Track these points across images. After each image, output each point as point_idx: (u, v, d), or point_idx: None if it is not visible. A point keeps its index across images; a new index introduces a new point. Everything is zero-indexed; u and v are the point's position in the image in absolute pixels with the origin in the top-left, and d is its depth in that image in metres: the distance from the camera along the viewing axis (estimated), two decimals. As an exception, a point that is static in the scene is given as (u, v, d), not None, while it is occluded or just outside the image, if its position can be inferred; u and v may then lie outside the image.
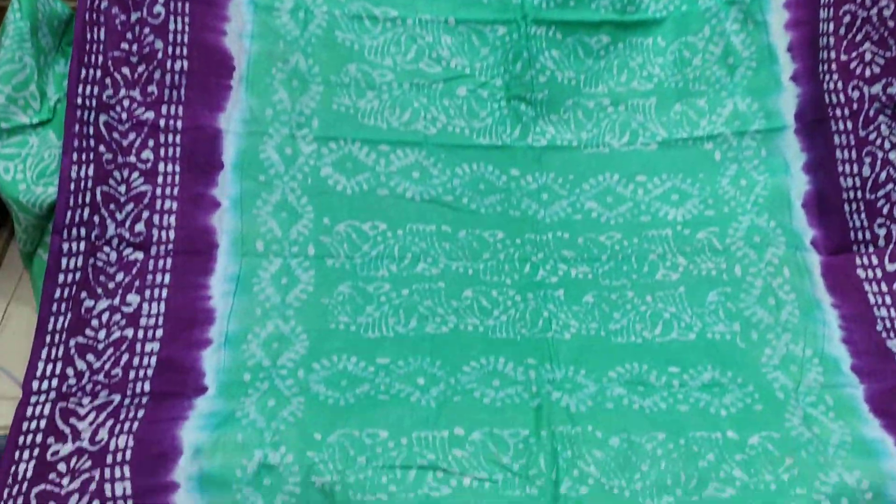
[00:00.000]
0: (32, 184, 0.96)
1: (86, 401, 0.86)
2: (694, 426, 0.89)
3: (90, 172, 0.95)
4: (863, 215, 1.02)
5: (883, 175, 1.02)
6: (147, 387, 0.88)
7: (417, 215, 1.05)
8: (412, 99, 1.07)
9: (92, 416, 0.85)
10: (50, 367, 0.88)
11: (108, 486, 0.79)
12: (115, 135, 0.97)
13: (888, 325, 0.97)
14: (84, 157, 0.95)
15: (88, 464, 0.80)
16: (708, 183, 1.08)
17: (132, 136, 0.98)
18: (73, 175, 0.93)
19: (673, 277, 1.03)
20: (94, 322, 0.91)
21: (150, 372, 0.89)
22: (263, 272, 0.97)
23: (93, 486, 0.78)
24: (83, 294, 0.91)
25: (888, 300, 0.98)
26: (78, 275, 0.92)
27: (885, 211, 1.02)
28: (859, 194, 1.03)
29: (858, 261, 1.02)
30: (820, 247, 1.04)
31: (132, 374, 0.88)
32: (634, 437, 0.88)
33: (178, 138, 1.00)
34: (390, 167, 1.06)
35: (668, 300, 1.01)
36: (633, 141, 1.10)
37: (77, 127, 0.94)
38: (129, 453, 0.80)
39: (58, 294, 0.91)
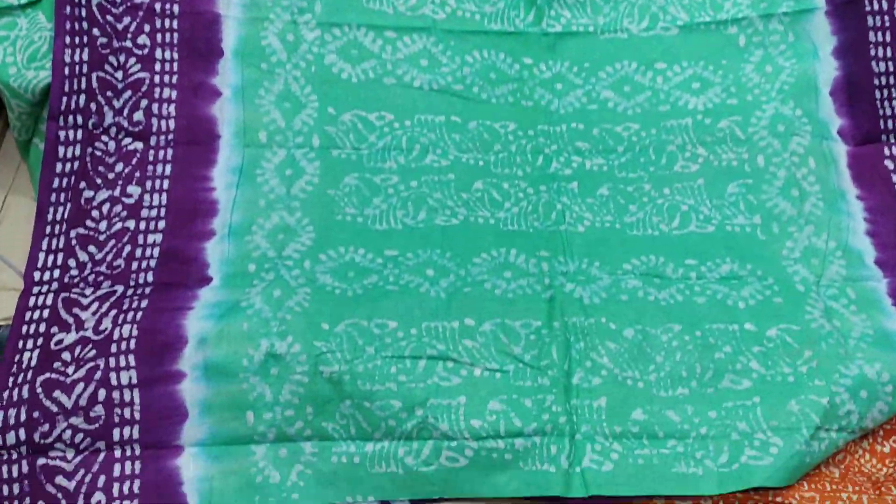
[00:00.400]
0: (23, 67, 0.92)
1: (88, 291, 0.85)
2: (711, 318, 0.88)
3: (84, 57, 0.91)
4: (895, 102, 0.97)
5: None
6: (150, 277, 0.86)
7: (426, 105, 1.00)
8: None
9: (95, 306, 0.83)
10: (51, 257, 0.87)
11: (113, 375, 0.78)
12: (109, 17, 0.93)
13: None
14: (77, 40, 0.91)
15: (93, 353, 0.79)
16: (731, 70, 1.03)
17: (127, 19, 0.94)
18: (67, 59, 0.90)
19: (692, 169, 0.99)
20: (95, 213, 0.89)
21: (152, 263, 0.87)
22: (267, 163, 0.94)
23: (98, 375, 0.78)
24: (82, 184, 0.89)
25: None
26: (76, 164, 0.89)
27: None
28: (892, 80, 0.98)
29: (887, 151, 0.98)
30: (847, 136, 1.00)
31: (135, 265, 0.87)
32: (649, 329, 0.86)
33: (175, 23, 0.96)
34: (397, 54, 1.01)
35: (686, 192, 0.98)
36: (652, 25, 1.05)
37: (68, 8, 0.90)
38: (133, 343, 0.80)
39: (56, 183, 0.88)
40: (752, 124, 1.00)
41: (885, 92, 0.98)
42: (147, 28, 0.94)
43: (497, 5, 1.05)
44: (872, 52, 0.99)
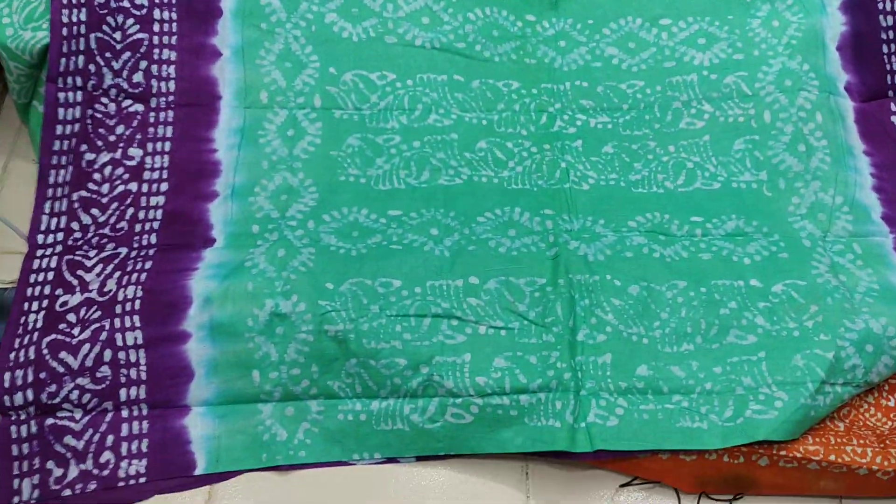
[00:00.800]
0: (20, 28, 0.91)
1: (92, 253, 0.85)
2: (716, 274, 0.87)
3: (82, 17, 0.90)
4: None
5: None
6: (154, 239, 0.86)
7: (428, 64, 0.99)
8: None
9: (99, 267, 0.84)
10: (54, 220, 0.87)
11: (118, 336, 0.78)
12: None
13: None
14: (74, 0, 0.89)
15: (98, 314, 0.80)
16: (737, 25, 1.02)
17: None
18: (65, 19, 0.89)
19: (698, 125, 0.98)
20: (97, 176, 0.89)
21: (156, 225, 0.87)
22: (269, 124, 0.94)
23: (104, 336, 0.78)
24: (83, 147, 0.89)
25: None
26: (76, 126, 0.89)
27: None
28: None
29: (894, 107, 0.97)
30: (854, 92, 0.99)
31: (138, 228, 0.87)
32: (654, 285, 0.86)
33: None
34: (398, 12, 1.00)
35: (691, 149, 0.97)
36: None
37: None
38: (138, 303, 0.80)
39: (57, 146, 0.88)
40: (759, 79, 0.99)
41: (893, 47, 0.98)
42: None
43: None
44: (880, 7, 0.98)
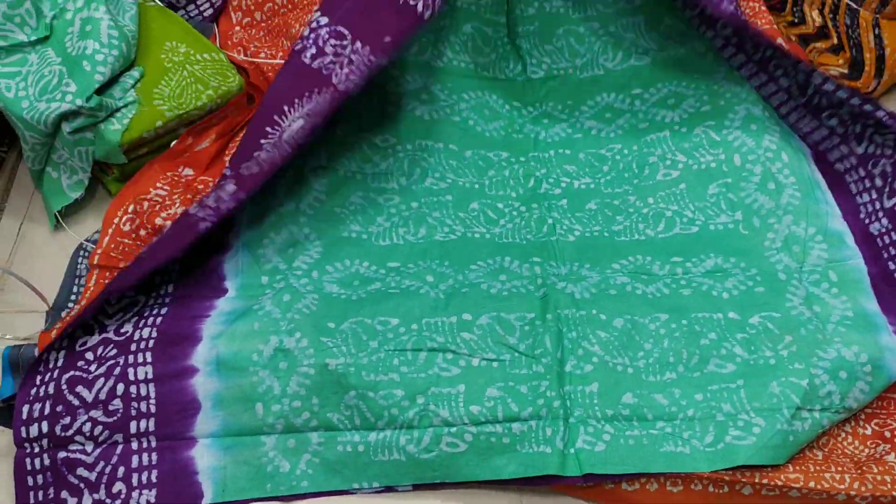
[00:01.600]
0: (35, 100, 0.97)
1: (112, 300, 0.89)
2: (696, 308, 0.92)
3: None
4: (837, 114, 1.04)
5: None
6: (171, 289, 0.91)
7: (426, 132, 1.06)
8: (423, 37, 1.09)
9: (119, 314, 0.88)
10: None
11: (131, 371, 0.82)
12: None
13: (869, 209, 0.99)
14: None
15: (114, 352, 0.83)
16: (703, 81, 1.09)
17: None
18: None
19: (673, 175, 1.04)
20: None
21: (173, 276, 0.92)
22: (277, 179, 0.97)
23: (117, 371, 0.82)
24: None
25: (867, 184, 1.00)
26: None
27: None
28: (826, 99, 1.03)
29: (831, 157, 1.05)
30: (806, 139, 1.07)
31: (157, 279, 0.92)
32: (637, 318, 0.91)
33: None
34: (399, 88, 1.07)
35: (669, 199, 1.03)
36: (626, 58, 1.11)
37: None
38: (151, 342, 0.84)
39: None
40: (726, 126, 1.06)
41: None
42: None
43: (489, 56, 1.12)
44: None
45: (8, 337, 0.92)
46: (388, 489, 0.82)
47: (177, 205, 0.99)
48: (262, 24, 1.23)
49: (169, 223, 0.95)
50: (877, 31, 1.12)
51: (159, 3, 1.16)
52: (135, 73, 1.04)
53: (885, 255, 0.95)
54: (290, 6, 1.24)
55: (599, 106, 1.11)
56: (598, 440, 0.82)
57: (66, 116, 0.96)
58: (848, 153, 1.02)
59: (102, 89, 0.99)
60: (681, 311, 0.91)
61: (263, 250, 0.94)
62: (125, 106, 1.01)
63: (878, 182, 0.98)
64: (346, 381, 0.83)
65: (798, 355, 0.86)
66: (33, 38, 1.01)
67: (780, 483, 0.80)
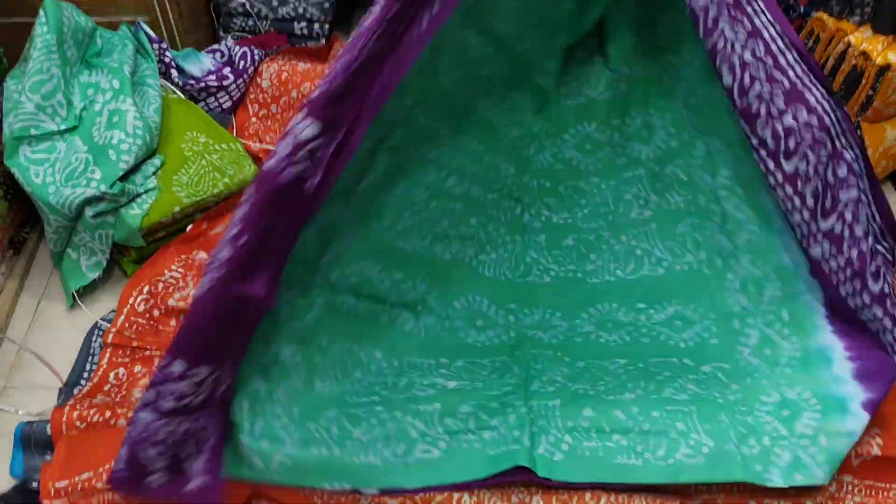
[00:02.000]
0: (61, 186, 1.02)
1: None
2: (653, 354, 0.97)
3: None
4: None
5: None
6: None
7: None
8: None
9: None
10: None
11: None
12: None
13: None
14: None
15: None
16: (668, 111, 1.13)
17: None
18: None
19: (646, 214, 1.10)
20: None
21: None
22: None
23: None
24: None
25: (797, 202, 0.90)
26: None
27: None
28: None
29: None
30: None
31: None
32: (598, 362, 0.97)
33: None
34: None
35: (640, 237, 1.09)
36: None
37: None
38: None
39: None
40: (692, 164, 1.09)
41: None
42: None
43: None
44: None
45: (21, 412, 0.95)
46: (355, 490, 0.84)
47: (190, 286, 1.03)
48: (278, 116, 1.29)
49: (182, 304, 0.98)
50: (859, 133, 1.18)
51: (182, 95, 1.23)
52: (156, 160, 1.09)
53: (836, 280, 0.91)
54: (304, 100, 1.31)
55: (581, 135, 1.18)
56: (556, 450, 0.87)
57: (89, 201, 1.01)
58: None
59: (125, 176, 1.05)
60: (638, 357, 0.97)
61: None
62: (146, 192, 1.06)
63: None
64: (329, 399, 0.89)
65: (743, 400, 0.90)
66: (63, 127, 1.06)
67: None
